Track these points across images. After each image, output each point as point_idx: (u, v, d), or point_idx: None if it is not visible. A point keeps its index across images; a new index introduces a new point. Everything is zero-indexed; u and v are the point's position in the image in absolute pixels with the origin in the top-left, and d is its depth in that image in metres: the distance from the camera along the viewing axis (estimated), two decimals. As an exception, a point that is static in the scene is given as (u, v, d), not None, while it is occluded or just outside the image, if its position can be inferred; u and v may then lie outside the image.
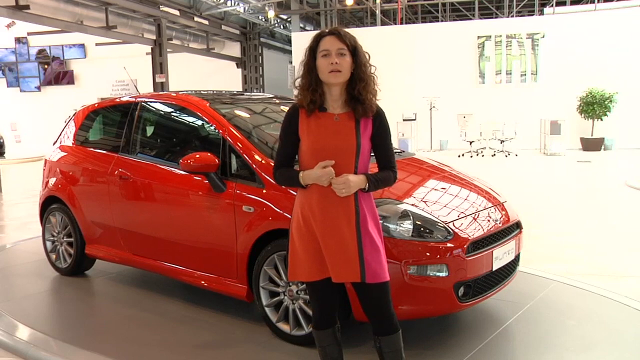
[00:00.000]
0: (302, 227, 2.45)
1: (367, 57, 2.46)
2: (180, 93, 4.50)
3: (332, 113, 2.44)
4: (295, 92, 2.50)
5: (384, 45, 17.25)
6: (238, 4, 20.35)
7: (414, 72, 17.95)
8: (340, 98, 2.45)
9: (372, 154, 2.54)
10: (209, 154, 3.65)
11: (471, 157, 15.34)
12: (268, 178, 3.47)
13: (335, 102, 2.45)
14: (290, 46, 21.19)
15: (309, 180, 2.41)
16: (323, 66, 2.38)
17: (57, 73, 23.88)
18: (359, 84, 2.40)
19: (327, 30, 2.44)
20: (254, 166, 3.58)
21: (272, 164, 3.46)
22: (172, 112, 4.60)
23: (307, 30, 23.04)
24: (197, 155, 3.65)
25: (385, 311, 2.46)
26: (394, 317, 2.48)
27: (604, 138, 16.15)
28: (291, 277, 2.54)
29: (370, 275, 2.38)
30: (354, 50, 2.41)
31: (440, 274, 3.09)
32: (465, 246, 3.17)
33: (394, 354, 2.49)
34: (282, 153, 2.55)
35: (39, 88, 24.10)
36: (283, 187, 3.35)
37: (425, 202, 3.45)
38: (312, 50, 2.44)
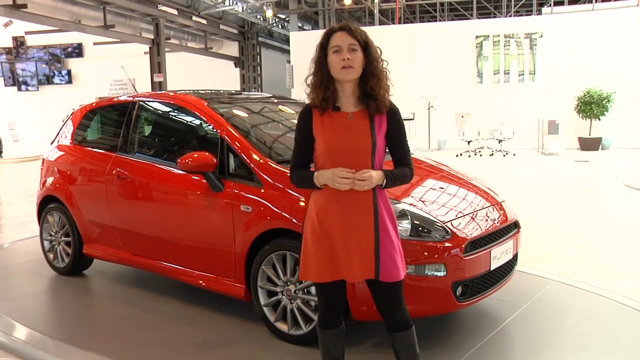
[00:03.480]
0: (317, 228, 2.41)
1: (379, 52, 2.44)
2: (178, 92, 4.49)
3: (345, 112, 2.40)
4: (307, 90, 2.45)
5: (382, 45, 16.64)
6: (236, 3, 20.33)
7: (412, 72, 17.93)
8: (353, 95, 2.42)
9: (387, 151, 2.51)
10: (207, 154, 3.65)
11: (469, 156, 15.34)
12: (266, 177, 3.47)
13: (348, 100, 2.42)
14: (289, 46, 21.15)
15: (322, 180, 2.38)
16: (335, 62, 2.35)
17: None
18: (372, 80, 2.37)
19: (337, 27, 2.41)
20: (252, 165, 3.57)
21: (270, 164, 3.52)
22: (170, 111, 4.59)
23: (305, 30, 23.04)
24: (195, 155, 3.65)
25: (400, 308, 2.47)
26: (407, 313, 2.49)
27: (601, 138, 16.17)
28: (302, 276, 2.51)
29: (385, 274, 2.37)
30: (366, 46, 2.38)
31: (438, 274, 3.09)
32: (463, 246, 3.17)
33: (408, 349, 2.49)
34: (297, 154, 2.51)
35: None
36: (284, 187, 3.37)
37: (423, 201, 3.45)
38: (323, 47, 2.40)
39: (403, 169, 2.48)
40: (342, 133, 2.37)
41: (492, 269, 3.37)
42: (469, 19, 21.93)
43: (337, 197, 2.37)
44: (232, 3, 20.32)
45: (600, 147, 16.15)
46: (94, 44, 21.44)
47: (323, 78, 2.38)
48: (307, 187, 2.48)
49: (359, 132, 2.37)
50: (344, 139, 2.36)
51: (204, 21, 20.03)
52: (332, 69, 2.37)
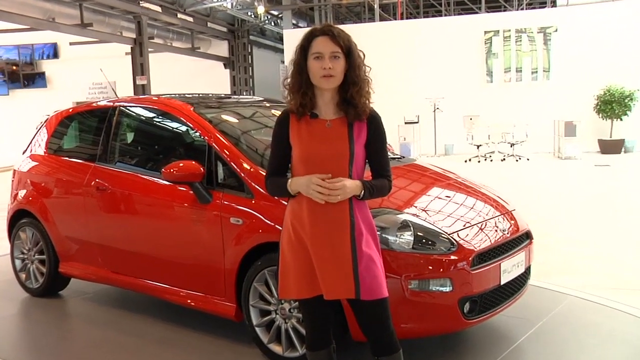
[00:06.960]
0: (293, 240, 2.47)
1: (362, 56, 2.48)
2: (162, 97, 4.54)
3: (323, 119, 2.46)
4: (285, 93, 2.52)
5: (383, 43, 17.33)
6: (225, -1, 20.44)
7: (416, 72, 18.01)
8: (332, 101, 2.47)
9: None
10: (193, 163, 3.68)
11: (479, 162, 15.40)
12: (257, 187, 3.50)
13: (327, 106, 2.48)
14: (282, 44, 21.27)
15: (296, 187, 2.43)
16: (315, 69, 2.40)
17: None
18: (352, 88, 2.42)
19: (319, 29, 2.45)
20: (242, 175, 3.61)
21: (262, 173, 3.54)
22: (153, 117, 4.63)
23: (300, 27, 23.13)
24: (181, 164, 3.69)
25: (384, 330, 2.48)
26: (394, 336, 2.50)
27: (624, 140, 16.21)
28: (282, 294, 2.55)
29: (366, 292, 2.40)
30: (348, 52, 2.42)
31: (444, 289, 3.12)
32: (470, 258, 3.20)
33: None
34: (273, 162, 2.58)
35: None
36: (275, 197, 3.39)
37: (427, 211, 3.49)
38: (303, 50, 2.45)
39: (382, 180, 2.53)
40: (318, 140, 2.42)
41: (502, 283, 3.40)
42: (477, 13, 22.06)
43: (310, 207, 2.42)
44: (221, -2, 20.44)
45: (623, 150, 16.19)
46: (70, 44, 21.46)
47: (301, 83, 2.43)
48: (281, 195, 2.54)
49: (336, 139, 2.42)
50: (320, 147, 2.41)
51: (190, 19, 20.12)
52: (311, 76, 2.42)
